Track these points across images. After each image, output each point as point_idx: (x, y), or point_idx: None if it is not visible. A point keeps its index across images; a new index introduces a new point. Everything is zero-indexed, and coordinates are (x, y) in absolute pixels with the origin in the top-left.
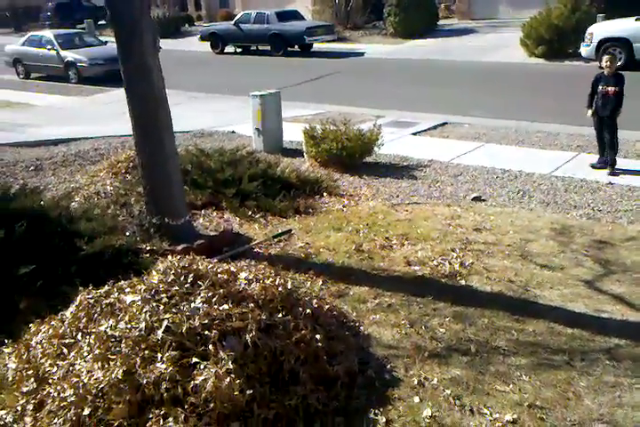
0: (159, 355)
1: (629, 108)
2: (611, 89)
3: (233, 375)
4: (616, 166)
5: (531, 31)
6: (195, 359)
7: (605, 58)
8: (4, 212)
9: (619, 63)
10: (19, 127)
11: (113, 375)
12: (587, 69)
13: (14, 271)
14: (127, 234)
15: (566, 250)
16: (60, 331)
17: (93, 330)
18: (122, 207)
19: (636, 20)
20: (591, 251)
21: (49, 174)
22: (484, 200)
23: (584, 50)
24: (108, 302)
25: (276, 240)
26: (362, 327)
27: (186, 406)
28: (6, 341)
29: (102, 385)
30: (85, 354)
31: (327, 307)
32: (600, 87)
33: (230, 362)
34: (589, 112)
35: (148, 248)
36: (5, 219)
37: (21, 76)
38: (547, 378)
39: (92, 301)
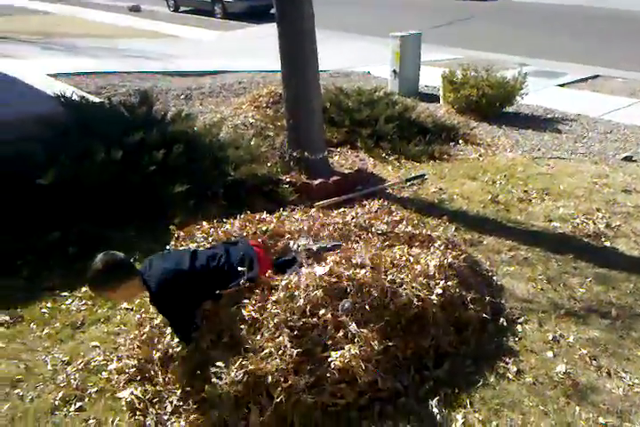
0: None
1: None
2: None
3: None
4: None
5: None
6: None
7: None
8: (164, 134)
9: None
10: (167, 57)
11: None
12: None
13: (170, 189)
14: (269, 164)
15: None
16: None
17: None
18: (264, 139)
19: None
20: None
21: (197, 104)
22: (635, 161)
23: None
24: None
25: (408, 184)
26: (495, 278)
27: None
28: None
29: None
30: None
31: (463, 257)
32: None
33: None
34: None
35: (287, 179)
36: (164, 140)
37: (171, 9)
38: None
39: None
